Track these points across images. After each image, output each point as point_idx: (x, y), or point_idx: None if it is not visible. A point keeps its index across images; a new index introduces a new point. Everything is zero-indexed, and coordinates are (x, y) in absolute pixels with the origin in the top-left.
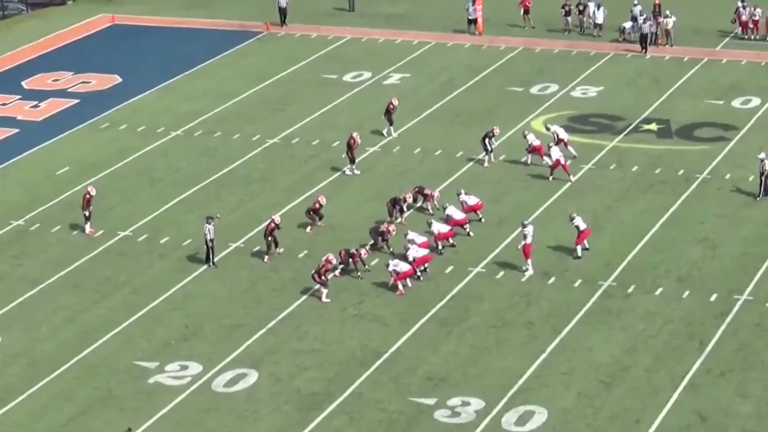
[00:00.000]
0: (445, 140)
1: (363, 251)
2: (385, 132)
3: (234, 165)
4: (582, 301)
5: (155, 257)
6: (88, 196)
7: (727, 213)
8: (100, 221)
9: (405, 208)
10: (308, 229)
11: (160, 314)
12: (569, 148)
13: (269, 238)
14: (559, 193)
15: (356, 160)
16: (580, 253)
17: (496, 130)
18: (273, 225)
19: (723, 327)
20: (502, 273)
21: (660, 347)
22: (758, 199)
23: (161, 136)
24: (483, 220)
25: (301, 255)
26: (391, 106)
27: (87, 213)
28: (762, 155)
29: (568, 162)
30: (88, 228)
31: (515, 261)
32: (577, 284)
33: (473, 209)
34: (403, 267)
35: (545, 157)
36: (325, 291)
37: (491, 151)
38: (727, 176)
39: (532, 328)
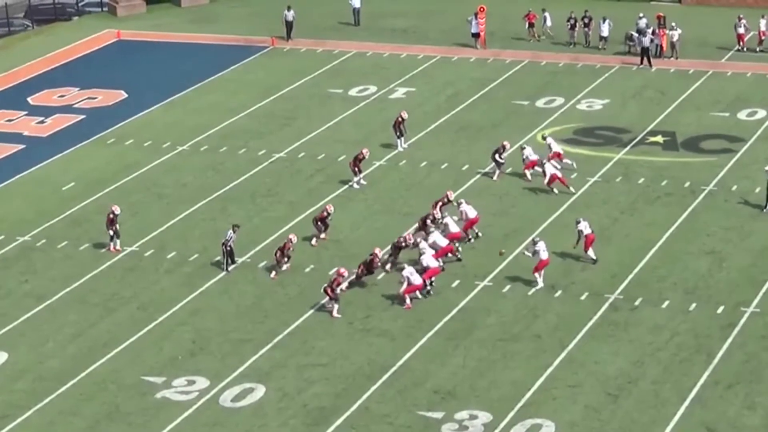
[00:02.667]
0: (451, 154)
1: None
2: (398, 145)
3: (240, 179)
4: (589, 314)
5: (162, 272)
6: (111, 215)
7: (734, 225)
8: (106, 237)
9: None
10: (313, 241)
11: (166, 329)
12: (566, 160)
13: (279, 254)
14: (565, 206)
15: (362, 172)
16: (595, 256)
17: (507, 145)
18: (290, 245)
19: (730, 339)
20: (508, 286)
21: (667, 360)
22: (765, 210)
23: (167, 151)
24: (480, 234)
25: (307, 270)
26: (400, 119)
27: (111, 232)
28: None
29: (568, 175)
30: (112, 246)
31: (522, 274)
32: (583, 297)
33: (472, 223)
34: (416, 280)
35: (528, 172)
36: (336, 306)
37: (502, 164)
38: (734, 188)
39: (539, 342)
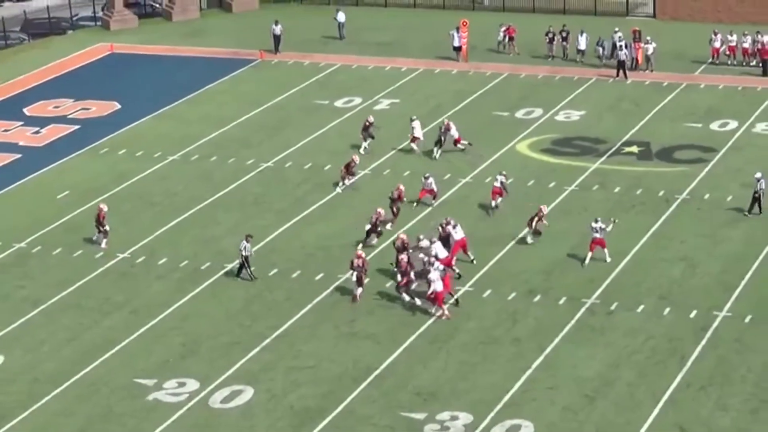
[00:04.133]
0: (434, 163)
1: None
2: (362, 148)
3: (229, 188)
4: (567, 318)
5: (153, 278)
6: (102, 213)
7: (707, 232)
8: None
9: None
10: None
11: (158, 333)
12: (462, 142)
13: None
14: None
15: (355, 176)
16: (587, 261)
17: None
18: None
19: (703, 343)
20: (489, 291)
21: (642, 363)
22: (748, 214)
23: (159, 160)
24: (475, 261)
25: (294, 275)
26: (368, 123)
27: (101, 228)
28: (758, 174)
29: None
30: (104, 243)
31: (502, 280)
32: (561, 302)
33: (461, 245)
34: (439, 286)
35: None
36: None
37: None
38: (706, 196)
39: (519, 345)
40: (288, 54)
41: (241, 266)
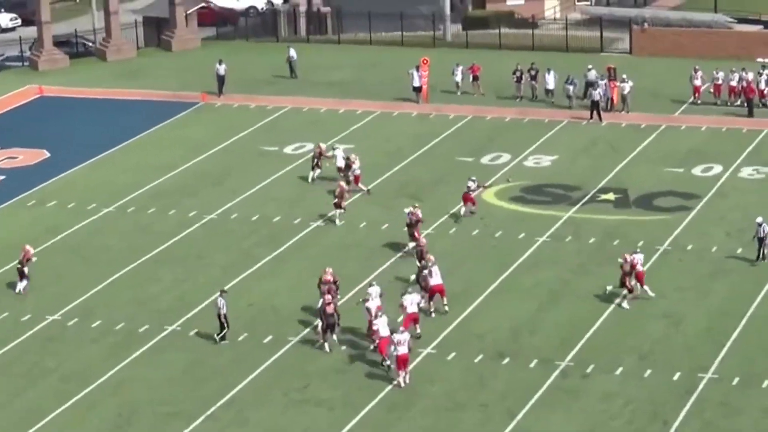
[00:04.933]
0: (393, 214)
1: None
2: (310, 178)
3: (170, 242)
4: (538, 382)
5: (87, 341)
6: (28, 254)
7: (690, 285)
8: (27, 304)
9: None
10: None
11: (92, 402)
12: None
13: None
14: (513, 267)
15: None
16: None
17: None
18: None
19: (687, 407)
20: (453, 354)
21: (621, 429)
22: (757, 262)
23: (92, 213)
24: (448, 309)
25: (241, 338)
26: (319, 152)
27: (25, 270)
28: (760, 219)
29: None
30: (21, 288)
31: (467, 341)
32: (532, 364)
33: (437, 290)
34: (384, 332)
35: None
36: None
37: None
38: (689, 247)
39: (486, 411)
40: (233, 96)
41: (222, 327)
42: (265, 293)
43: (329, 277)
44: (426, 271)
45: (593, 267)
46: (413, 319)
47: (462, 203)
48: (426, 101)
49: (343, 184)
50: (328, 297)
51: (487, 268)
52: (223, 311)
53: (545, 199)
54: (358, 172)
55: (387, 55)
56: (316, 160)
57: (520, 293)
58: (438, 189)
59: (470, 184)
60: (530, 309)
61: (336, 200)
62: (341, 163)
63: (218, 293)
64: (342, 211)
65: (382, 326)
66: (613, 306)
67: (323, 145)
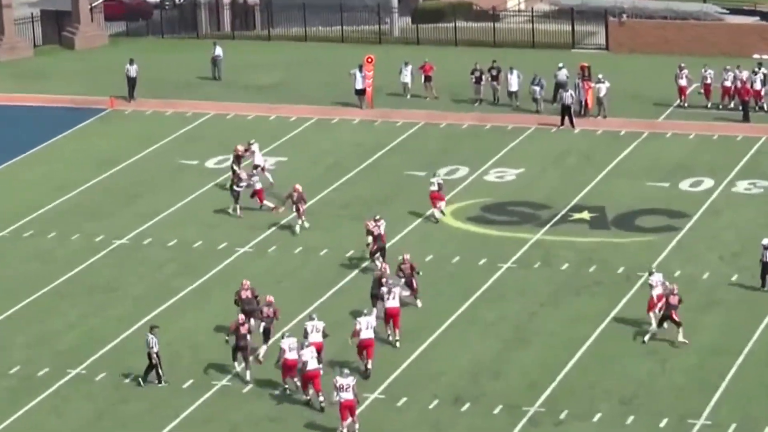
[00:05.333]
0: (332, 237)
1: None
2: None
3: (74, 271)
4: (504, 431)
5: None
6: None
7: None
8: None
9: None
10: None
11: None
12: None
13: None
14: (474, 299)
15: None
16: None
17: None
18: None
19: None
20: (404, 399)
21: None
22: (765, 289)
23: None
24: (399, 345)
25: (160, 384)
26: (239, 153)
27: None
28: (765, 241)
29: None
30: None
31: (420, 384)
32: (496, 411)
33: (391, 315)
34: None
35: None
36: None
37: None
38: (677, 273)
39: None
40: (146, 102)
41: (150, 367)
42: (184, 330)
43: (248, 293)
44: (385, 289)
45: (567, 297)
46: (366, 346)
47: (432, 205)
48: (370, 106)
49: (297, 186)
50: (242, 317)
51: (443, 299)
52: (155, 350)
53: (510, 219)
54: (261, 162)
55: (325, 53)
56: (236, 172)
57: (481, 328)
58: (385, 208)
59: (436, 180)
60: (493, 347)
61: (294, 205)
62: (260, 161)
63: (149, 330)
64: (302, 219)
65: (308, 356)
66: (589, 343)
67: (240, 147)
